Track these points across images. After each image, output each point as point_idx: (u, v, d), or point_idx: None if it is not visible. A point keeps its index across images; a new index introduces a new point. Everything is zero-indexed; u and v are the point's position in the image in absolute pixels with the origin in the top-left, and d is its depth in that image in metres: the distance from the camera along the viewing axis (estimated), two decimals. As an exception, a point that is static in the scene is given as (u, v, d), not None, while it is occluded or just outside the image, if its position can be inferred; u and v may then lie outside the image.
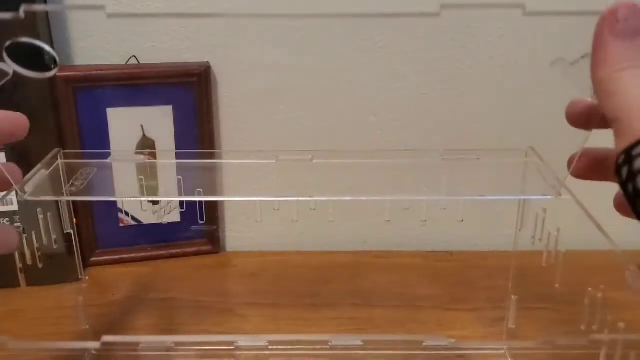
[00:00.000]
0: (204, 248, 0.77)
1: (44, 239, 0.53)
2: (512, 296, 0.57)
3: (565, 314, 0.59)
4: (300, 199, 0.51)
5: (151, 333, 0.62)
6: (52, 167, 0.55)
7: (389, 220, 0.54)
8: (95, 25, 0.69)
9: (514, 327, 0.57)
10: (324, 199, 0.50)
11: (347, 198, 0.50)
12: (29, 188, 0.50)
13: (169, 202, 0.73)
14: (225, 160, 0.61)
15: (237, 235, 0.79)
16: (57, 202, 0.55)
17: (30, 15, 0.61)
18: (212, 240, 0.77)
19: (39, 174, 0.52)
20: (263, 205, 0.57)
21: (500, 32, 0.71)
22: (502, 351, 0.58)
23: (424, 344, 0.53)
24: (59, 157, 0.56)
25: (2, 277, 0.70)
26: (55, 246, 0.54)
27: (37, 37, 0.63)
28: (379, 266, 0.75)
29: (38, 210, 0.53)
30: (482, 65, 0.72)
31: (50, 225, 0.54)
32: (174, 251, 0.76)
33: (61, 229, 0.57)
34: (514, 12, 0.73)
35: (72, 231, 0.58)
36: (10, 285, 0.68)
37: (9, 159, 0.66)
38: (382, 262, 0.76)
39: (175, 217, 0.74)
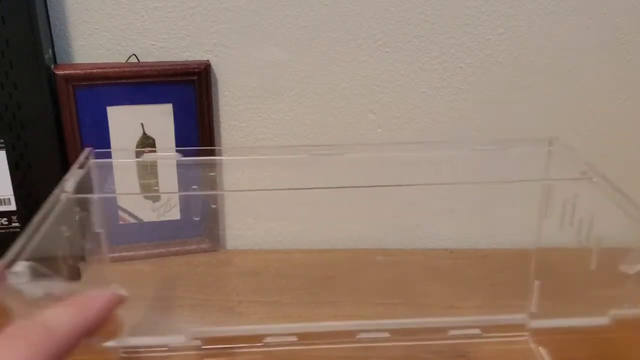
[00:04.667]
0: (204, 246, 0.77)
1: (82, 238, 0.53)
2: (535, 281, 0.58)
3: (590, 299, 0.60)
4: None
5: (150, 331, 0.63)
6: (86, 166, 0.55)
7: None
8: (95, 24, 0.69)
9: (535, 311, 0.58)
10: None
11: (375, 186, 0.50)
12: (69, 187, 0.50)
13: (168, 200, 0.73)
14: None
15: (237, 233, 0.79)
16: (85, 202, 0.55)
17: (30, 13, 0.62)
18: (213, 238, 0.77)
19: (76, 172, 0.52)
20: (263, 203, 0.57)
21: (500, 30, 0.71)
22: (525, 337, 0.59)
23: (450, 333, 0.55)
24: (89, 157, 0.56)
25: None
26: (87, 246, 0.54)
27: (37, 36, 0.63)
28: (379, 264, 0.75)
29: (76, 210, 0.52)
30: (482, 63, 0.72)
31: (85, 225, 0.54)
32: (173, 249, 0.76)
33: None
34: (513, 12, 0.74)
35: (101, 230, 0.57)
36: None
37: (9, 158, 0.66)
38: (382, 260, 0.76)
39: (175, 214, 0.74)
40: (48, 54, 0.66)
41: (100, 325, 0.31)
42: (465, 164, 0.55)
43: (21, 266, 0.38)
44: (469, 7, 0.70)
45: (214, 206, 0.75)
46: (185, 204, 0.73)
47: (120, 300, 0.32)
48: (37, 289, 0.38)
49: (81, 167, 0.54)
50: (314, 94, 0.73)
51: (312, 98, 0.73)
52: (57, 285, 0.39)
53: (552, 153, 0.56)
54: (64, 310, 0.30)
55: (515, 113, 0.74)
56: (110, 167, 0.58)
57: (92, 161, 0.56)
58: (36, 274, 0.39)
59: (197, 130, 0.71)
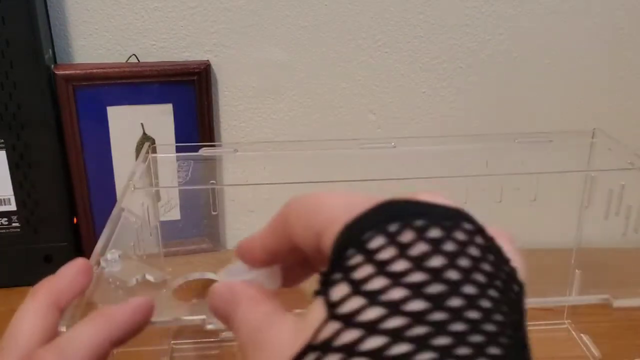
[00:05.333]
0: (204, 246, 0.77)
1: (150, 228, 0.54)
2: (577, 270, 0.60)
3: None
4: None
5: (150, 332, 0.62)
6: (147, 160, 0.55)
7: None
8: (96, 24, 0.69)
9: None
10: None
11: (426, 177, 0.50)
12: (136, 181, 0.50)
13: (169, 200, 0.73)
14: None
15: (237, 233, 0.79)
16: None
17: (30, 13, 0.62)
18: (213, 238, 0.77)
19: (140, 167, 0.53)
20: (262, 201, 0.57)
21: (500, 30, 0.71)
22: (565, 325, 0.62)
23: None
24: (149, 152, 0.56)
25: (2, 277, 0.70)
26: (150, 237, 0.54)
27: (37, 36, 0.63)
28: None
29: (141, 202, 0.53)
30: (482, 63, 0.72)
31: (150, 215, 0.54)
32: (173, 249, 0.76)
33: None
34: (513, 12, 0.74)
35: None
36: (10, 285, 0.68)
37: (9, 158, 0.66)
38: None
39: (175, 214, 0.74)
40: (48, 54, 0.66)
41: (129, 336, 0.30)
42: (504, 156, 0.56)
43: (113, 254, 0.38)
44: (469, 8, 0.70)
45: (214, 213, 0.75)
46: (186, 205, 0.72)
47: (152, 308, 0.30)
48: (130, 276, 0.38)
49: (144, 160, 0.54)
50: (314, 94, 0.73)
51: (312, 98, 0.73)
52: (149, 273, 0.39)
53: (595, 145, 0.57)
54: (84, 329, 0.29)
55: (515, 113, 0.74)
56: (170, 161, 0.59)
57: (152, 155, 0.56)
58: (128, 262, 0.39)
59: (197, 130, 0.71)
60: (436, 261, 0.20)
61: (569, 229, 0.62)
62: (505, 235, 0.25)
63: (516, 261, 0.23)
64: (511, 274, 0.22)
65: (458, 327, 0.19)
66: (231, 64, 0.71)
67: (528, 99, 0.74)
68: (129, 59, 0.70)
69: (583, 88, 0.74)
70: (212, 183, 0.60)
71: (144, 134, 0.71)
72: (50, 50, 0.67)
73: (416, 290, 0.19)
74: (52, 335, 0.30)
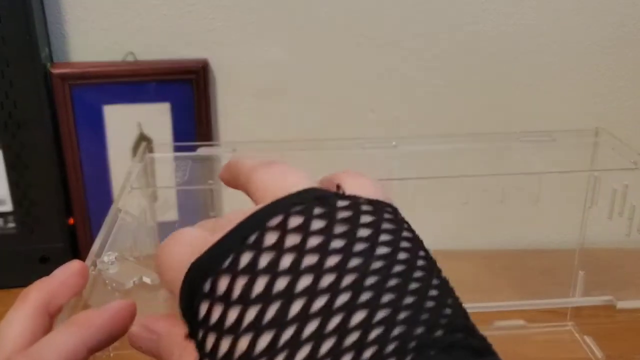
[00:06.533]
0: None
1: (148, 229, 0.54)
2: (580, 271, 0.60)
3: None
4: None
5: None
6: (144, 160, 0.55)
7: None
8: (92, 22, 0.68)
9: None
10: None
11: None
12: (133, 181, 0.50)
13: (166, 200, 0.72)
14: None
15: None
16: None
17: (27, 11, 0.61)
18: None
19: (136, 167, 0.52)
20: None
21: (501, 28, 0.70)
22: (568, 327, 0.62)
23: (495, 324, 0.59)
24: (146, 151, 0.56)
25: (2, 277, 0.69)
26: (147, 238, 0.54)
27: (34, 34, 0.62)
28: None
29: (138, 202, 0.52)
30: (483, 62, 0.72)
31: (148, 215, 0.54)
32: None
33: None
34: (515, 10, 0.73)
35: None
36: (5, 286, 0.68)
37: (5, 157, 0.65)
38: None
39: (172, 215, 0.74)
40: (44, 53, 0.66)
41: (108, 341, 0.29)
42: (506, 156, 0.56)
43: (109, 256, 0.38)
44: (469, 6, 0.69)
45: (212, 214, 0.74)
46: (184, 205, 0.72)
47: (133, 311, 0.29)
48: (127, 278, 0.38)
49: (140, 160, 0.54)
50: (314, 94, 0.73)
51: (312, 98, 0.73)
52: (146, 275, 0.39)
53: (598, 144, 0.57)
54: (60, 335, 0.27)
55: (516, 112, 0.74)
56: (167, 161, 0.58)
57: (149, 155, 0.56)
58: (124, 264, 0.39)
59: (195, 129, 0.71)
60: (257, 287, 0.20)
61: (572, 230, 0.62)
62: (350, 175, 0.26)
63: (369, 192, 0.24)
64: (373, 235, 0.22)
65: (312, 326, 0.19)
66: (230, 63, 0.71)
67: (529, 99, 0.73)
68: (126, 57, 0.70)
69: (585, 87, 0.73)
70: (210, 183, 0.59)
71: (141, 133, 0.70)
72: (46, 49, 0.66)
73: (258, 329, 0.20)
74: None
